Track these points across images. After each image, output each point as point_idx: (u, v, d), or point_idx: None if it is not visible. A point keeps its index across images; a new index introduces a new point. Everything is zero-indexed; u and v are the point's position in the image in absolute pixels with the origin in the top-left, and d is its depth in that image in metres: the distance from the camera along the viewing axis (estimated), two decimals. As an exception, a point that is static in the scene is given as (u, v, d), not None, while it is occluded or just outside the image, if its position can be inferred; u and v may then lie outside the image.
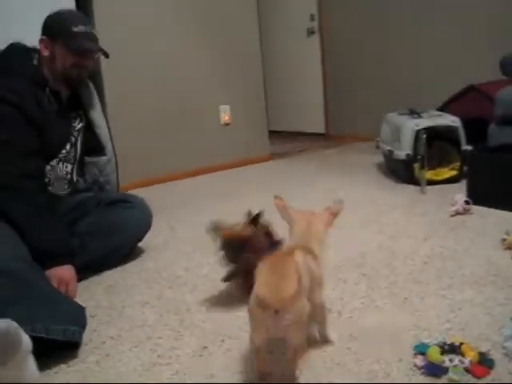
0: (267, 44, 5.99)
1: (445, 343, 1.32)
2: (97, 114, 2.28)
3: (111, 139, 2.34)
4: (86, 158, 2.27)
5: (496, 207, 2.54)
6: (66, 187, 2.16)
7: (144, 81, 3.89)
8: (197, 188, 3.78)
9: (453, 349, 1.30)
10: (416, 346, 1.33)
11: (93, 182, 2.30)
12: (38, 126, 1.97)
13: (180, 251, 2.33)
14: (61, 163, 2.12)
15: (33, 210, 1.89)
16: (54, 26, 2.04)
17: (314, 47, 5.85)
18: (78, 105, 2.23)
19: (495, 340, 1.36)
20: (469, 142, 3.16)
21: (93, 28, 2.11)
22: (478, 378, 1.20)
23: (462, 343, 1.31)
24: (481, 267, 1.87)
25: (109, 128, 2.34)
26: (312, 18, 5.79)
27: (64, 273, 1.88)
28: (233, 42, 4.37)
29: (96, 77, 3.29)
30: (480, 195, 2.61)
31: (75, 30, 2.01)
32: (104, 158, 2.30)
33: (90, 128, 2.27)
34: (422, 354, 1.29)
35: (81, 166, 2.25)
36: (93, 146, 2.28)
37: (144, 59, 3.85)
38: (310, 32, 5.85)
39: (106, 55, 2.14)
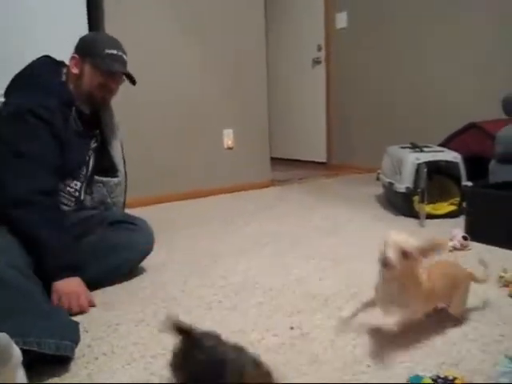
0: (273, 72, 6.08)
1: (438, 377, 1.31)
2: (113, 136, 2.31)
3: (124, 162, 2.36)
4: (97, 178, 2.29)
5: (494, 244, 2.55)
6: (72, 204, 2.17)
7: (149, 102, 3.94)
8: (197, 211, 3.79)
9: (446, 382, 1.30)
10: (410, 378, 1.33)
11: (100, 201, 2.31)
12: (61, 144, 1.99)
13: (177, 273, 2.33)
14: (70, 180, 2.14)
15: (49, 225, 1.90)
16: (87, 46, 2.09)
17: (320, 77, 5.93)
18: (95, 124, 2.26)
19: (489, 376, 1.35)
20: (469, 178, 3.19)
21: (125, 54, 2.14)
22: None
23: (455, 377, 1.30)
24: (477, 303, 1.87)
25: (123, 151, 2.37)
26: (319, 48, 5.87)
27: (75, 286, 1.89)
28: (240, 67, 4.43)
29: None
30: (478, 231, 2.62)
31: (107, 51, 2.06)
32: (115, 180, 2.32)
33: (104, 148, 2.29)
34: (416, 386, 1.29)
35: (89, 185, 2.26)
36: (105, 166, 2.30)
37: (149, 82, 3.89)
38: (316, 62, 5.92)
39: (133, 82, 2.17)
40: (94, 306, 1.93)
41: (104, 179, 2.30)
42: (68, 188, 2.13)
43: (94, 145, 2.25)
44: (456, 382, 1.29)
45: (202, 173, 4.28)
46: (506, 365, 1.34)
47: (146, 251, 2.28)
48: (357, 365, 1.45)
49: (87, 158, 2.22)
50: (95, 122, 2.26)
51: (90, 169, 2.23)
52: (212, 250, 2.68)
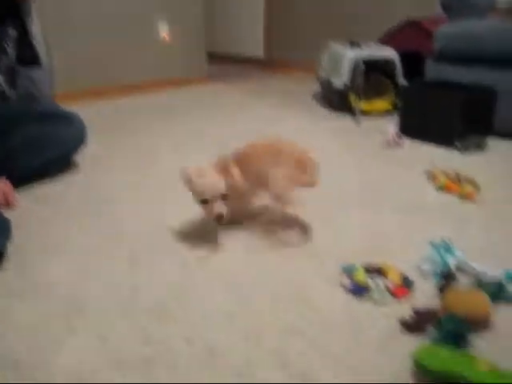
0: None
1: (370, 265, 1.38)
2: (34, 24, 2.15)
3: (48, 51, 2.22)
4: (21, 69, 2.15)
5: (425, 140, 2.63)
6: None
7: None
8: (131, 106, 3.67)
9: (377, 271, 1.37)
10: (343, 267, 1.39)
11: (26, 94, 2.18)
12: None
13: (113, 169, 2.29)
14: None
15: None
16: None
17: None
18: (14, 11, 2.09)
19: (413, 262, 1.43)
20: (405, 76, 3.21)
21: None
22: (399, 298, 1.27)
23: (385, 266, 1.37)
24: (406, 197, 1.95)
25: (46, 40, 2.22)
26: None
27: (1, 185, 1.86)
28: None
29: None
30: (411, 128, 2.69)
31: None
32: (39, 71, 2.19)
33: (25, 38, 2.14)
34: (348, 274, 1.35)
35: (13, 77, 2.13)
36: (28, 56, 2.16)
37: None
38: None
39: None
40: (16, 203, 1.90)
41: (28, 70, 2.17)
42: None
43: (13, 33, 2.10)
44: (386, 269, 1.36)
45: (135, 66, 4.11)
46: (429, 251, 1.42)
47: (79, 144, 2.22)
48: (289, 251, 1.50)
49: (5, 45, 2.07)
50: (13, 9, 2.09)
51: (9, 59, 2.09)
52: (147, 146, 2.63)
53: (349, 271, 1.36)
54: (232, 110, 3.42)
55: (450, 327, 1.10)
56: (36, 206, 1.86)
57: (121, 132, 2.92)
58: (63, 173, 2.20)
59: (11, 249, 1.50)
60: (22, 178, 1.98)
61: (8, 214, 1.64)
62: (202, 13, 4.51)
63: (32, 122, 2.10)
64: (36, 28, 2.18)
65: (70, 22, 3.63)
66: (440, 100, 2.60)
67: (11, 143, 2.01)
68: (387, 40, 3.63)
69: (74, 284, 1.35)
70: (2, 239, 1.46)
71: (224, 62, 5.83)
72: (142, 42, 4.12)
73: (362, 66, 3.07)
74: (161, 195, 1.97)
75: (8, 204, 1.84)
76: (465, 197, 1.91)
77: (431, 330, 1.14)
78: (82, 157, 2.29)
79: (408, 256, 1.48)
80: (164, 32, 4.24)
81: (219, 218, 1.48)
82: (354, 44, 3.43)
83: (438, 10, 3.50)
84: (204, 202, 1.48)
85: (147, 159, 2.42)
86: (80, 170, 2.26)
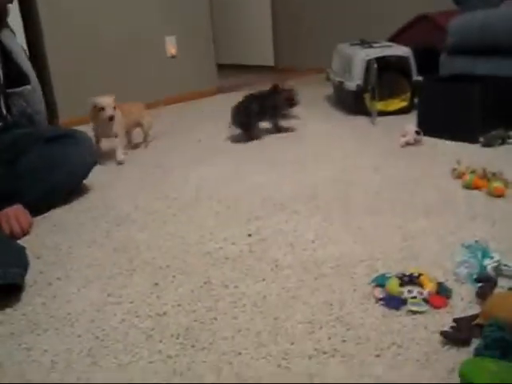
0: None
1: (404, 274, 1.31)
2: (11, 41, 2.13)
3: (33, 67, 2.21)
4: (9, 90, 2.13)
5: (446, 137, 2.55)
6: None
7: (86, 12, 3.65)
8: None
9: (412, 280, 1.29)
10: (375, 278, 1.32)
11: (20, 113, 2.15)
12: None
13: (126, 189, 2.24)
14: None
15: None
16: None
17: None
18: None
19: (447, 267, 1.37)
20: (419, 73, 3.14)
21: None
22: (437, 308, 1.20)
23: (420, 274, 1.30)
24: (432, 196, 1.88)
25: (28, 56, 2.21)
26: None
27: (13, 210, 1.83)
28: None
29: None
30: (430, 126, 2.61)
31: None
32: (29, 87, 2.16)
33: (7, 57, 2.11)
34: (382, 286, 1.28)
35: (5, 99, 2.10)
36: (14, 75, 2.13)
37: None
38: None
39: None
40: (31, 227, 1.85)
41: (18, 89, 2.14)
42: None
43: None
44: (421, 278, 1.28)
45: (146, 84, 4.06)
46: (463, 254, 1.35)
47: (89, 164, 2.16)
48: (318, 268, 1.43)
49: None
50: None
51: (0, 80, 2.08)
52: (162, 163, 2.59)
53: (381, 282, 1.29)
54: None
55: (495, 336, 1.02)
56: (54, 235, 1.82)
57: (131, 151, 2.88)
58: (77, 197, 2.15)
59: (30, 281, 1.46)
60: (33, 205, 1.93)
61: (26, 244, 1.60)
62: (209, 26, 4.46)
63: (38, 146, 2.05)
64: (14, 43, 2.16)
65: (67, 47, 3.60)
66: (458, 93, 2.52)
67: (19, 169, 1.98)
68: (399, 37, 3.56)
69: (98, 315, 1.30)
70: (17, 270, 1.41)
71: (234, 73, 5.79)
72: (149, 61, 4.07)
73: (375, 66, 3.00)
74: (181, 214, 1.92)
75: (23, 231, 1.80)
76: (494, 193, 1.83)
77: (475, 340, 1.07)
78: (94, 179, 2.24)
79: (441, 260, 1.41)
80: (172, 48, 4.20)
81: (111, 118, 2.54)
82: (364, 43, 3.37)
83: (449, 4, 3.42)
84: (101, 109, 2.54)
85: (161, 176, 2.38)
86: (94, 193, 2.21)
